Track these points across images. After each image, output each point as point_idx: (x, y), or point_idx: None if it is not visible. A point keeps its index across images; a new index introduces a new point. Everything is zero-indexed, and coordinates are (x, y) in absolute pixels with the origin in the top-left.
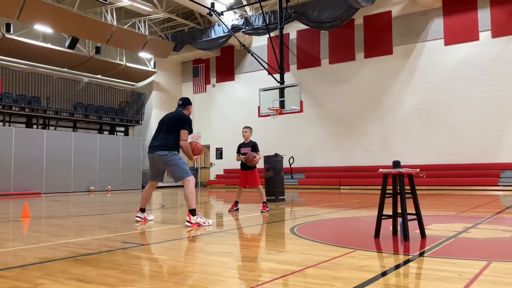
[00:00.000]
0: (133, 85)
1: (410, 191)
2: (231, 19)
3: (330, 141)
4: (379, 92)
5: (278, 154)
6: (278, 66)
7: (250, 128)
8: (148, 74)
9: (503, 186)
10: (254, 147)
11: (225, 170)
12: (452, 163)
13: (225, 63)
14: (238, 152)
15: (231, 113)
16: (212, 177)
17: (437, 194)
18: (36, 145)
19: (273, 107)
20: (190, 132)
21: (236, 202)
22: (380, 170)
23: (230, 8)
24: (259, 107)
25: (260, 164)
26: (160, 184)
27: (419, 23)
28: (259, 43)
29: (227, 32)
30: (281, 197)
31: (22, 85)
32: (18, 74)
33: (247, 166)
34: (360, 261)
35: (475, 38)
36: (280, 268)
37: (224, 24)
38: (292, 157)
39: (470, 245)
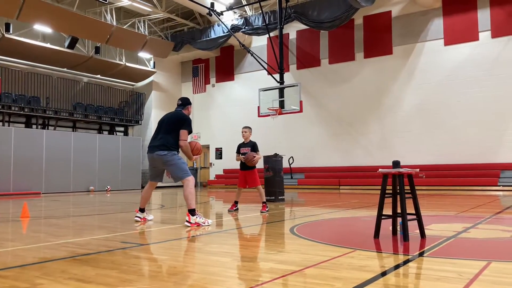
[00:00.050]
0: (132, 85)
1: (409, 191)
2: (230, 19)
3: (329, 141)
4: (379, 92)
5: (278, 154)
6: (277, 66)
7: (250, 128)
8: (148, 74)
9: (502, 186)
10: (253, 147)
11: (224, 170)
12: (451, 163)
13: (225, 63)
14: (238, 152)
15: (230, 113)
16: (212, 177)
17: (436, 194)
18: (35, 145)
19: (272, 107)
20: (190, 132)
21: (236, 202)
22: (380, 170)
23: (230, 8)
24: (258, 107)
25: (260, 164)
26: (159, 184)
27: (419, 23)
28: (259, 43)
29: (227, 32)
30: (281, 197)
31: (22, 85)
32: (18, 74)
33: (246, 166)
34: (360, 261)
35: (475, 38)
36: (279, 268)
37: (223, 24)
38: (292, 157)
39: (470, 245)
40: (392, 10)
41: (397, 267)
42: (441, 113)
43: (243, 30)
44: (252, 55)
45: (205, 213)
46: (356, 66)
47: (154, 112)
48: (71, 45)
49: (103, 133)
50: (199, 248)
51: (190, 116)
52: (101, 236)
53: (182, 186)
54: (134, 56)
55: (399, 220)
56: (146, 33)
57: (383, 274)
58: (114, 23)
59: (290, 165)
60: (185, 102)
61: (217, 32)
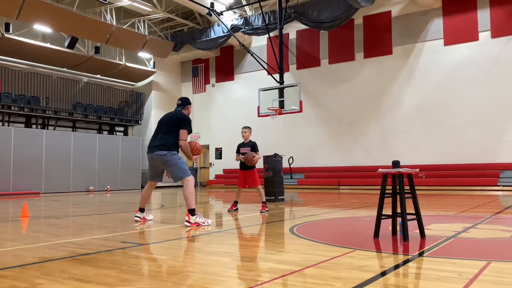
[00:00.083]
0: (132, 85)
1: (409, 191)
2: (230, 19)
3: (329, 141)
4: (378, 92)
5: (278, 154)
6: (277, 66)
7: (250, 128)
8: (148, 74)
9: (502, 186)
10: (253, 147)
11: (224, 170)
12: (451, 163)
13: (225, 63)
14: (238, 152)
15: (230, 113)
16: (212, 177)
17: (436, 194)
18: (35, 145)
19: (272, 107)
20: (190, 132)
21: (236, 202)
22: (380, 170)
23: (230, 8)
24: (258, 107)
25: (260, 164)
26: (159, 184)
27: (419, 23)
28: (259, 43)
29: (227, 32)
30: (281, 197)
31: (21, 85)
32: (17, 74)
33: (246, 166)
34: (360, 261)
35: (475, 38)
36: (279, 268)
37: (223, 24)
38: (292, 157)
39: (470, 245)
40: (392, 10)
41: (396, 267)
42: (441, 113)
43: (243, 30)
44: (252, 55)
45: (205, 213)
46: (356, 66)
47: (154, 112)
48: (71, 45)
49: (103, 133)
50: (199, 248)
51: (190, 116)
52: (101, 236)
53: (182, 186)
54: (134, 56)
55: (399, 220)
56: (146, 33)
57: (383, 274)
58: (114, 23)
59: (290, 165)
60: (185, 102)
61: (217, 32)
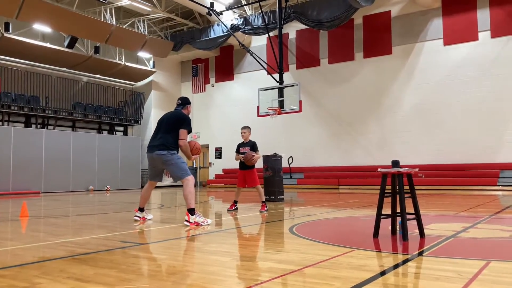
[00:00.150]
0: (132, 85)
1: (409, 191)
2: (230, 18)
3: (329, 141)
4: (378, 92)
5: (277, 154)
6: (277, 66)
7: (249, 128)
8: (147, 73)
9: (502, 186)
10: (253, 146)
11: (224, 170)
12: (451, 163)
13: (224, 63)
14: (237, 151)
15: (230, 112)
16: (211, 176)
17: (436, 194)
18: (35, 144)
19: (272, 107)
20: (189, 131)
21: (235, 202)
22: (379, 169)
23: (229, 7)
24: (258, 107)
25: (259, 164)
26: (159, 183)
27: (419, 23)
28: (258, 42)
29: (226, 32)
30: (280, 197)
31: (21, 84)
32: (17, 74)
33: (246, 166)
34: (359, 261)
35: (475, 38)
36: (279, 268)
37: (223, 23)
38: (291, 156)
39: (469, 244)
40: (391, 10)
41: (396, 266)
42: (441, 113)
43: (243, 30)
44: (251, 55)
45: (205, 213)
46: (356, 66)
47: (154, 112)
48: (71, 45)
49: (102, 133)
50: (198, 248)
51: (190, 116)
52: (100, 236)
53: (181, 185)
54: (134, 56)
55: (399, 219)
56: (146, 32)
57: (382, 273)
58: (114, 23)
59: (289, 164)
60: (184, 102)
61: (216, 32)
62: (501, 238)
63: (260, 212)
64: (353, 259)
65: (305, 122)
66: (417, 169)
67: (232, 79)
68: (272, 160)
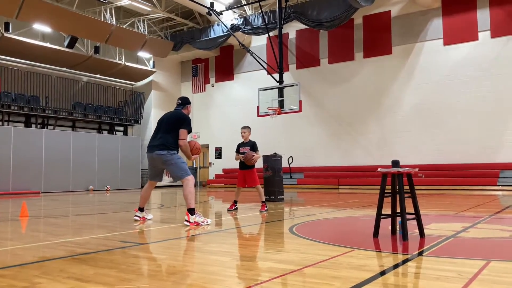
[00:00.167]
0: (132, 85)
1: (409, 191)
2: (230, 18)
3: (329, 141)
4: (378, 92)
5: (277, 154)
6: (277, 65)
7: (249, 127)
8: (147, 73)
9: (502, 186)
10: (253, 146)
11: (224, 170)
12: (451, 162)
13: (224, 63)
14: (237, 151)
15: (230, 112)
16: (211, 176)
17: (436, 194)
18: (35, 144)
19: (272, 106)
20: (189, 131)
21: (235, 202)
22: (379, 169)
23: (229, 7)
24: (258, 106)
25: (259, 164)
26: (159, 183)
27: (419, 23)
28: (258, 42)
29: (226, 32)
30: (280, 197)
31: (21, 84)
32: (17, 73)
33: (246, 166)
34: (359, 261)
35: (474, 38)
36: (278, 268)
37: (223, 23)
38: (291, 156)
39: (469, 244)
40: (391, 10)
41: (396, 266)
42: (441, 113)
43: (243, 29)
44: (251, 54)
45: (205, 213)
46: (356, 66)
47: (154, 112)
48: (71, 45)
49: (102, 133)
50: (198, 248)
51: (190, 116)
52: (100, 235)
53: (181, 185)
54: (134, 56)
55: (399, 219)
56: (146, 32)
57: (382, 273)
58: (114, 23)
59: (289, 164)
60: (184, 102)
61: (216, 31)
62: (501, 238)
63: (260, 212)
64: (353, 259)
65: (305, 122)
66: (417, 169)
67: (232, 79)
68: (272, 160)
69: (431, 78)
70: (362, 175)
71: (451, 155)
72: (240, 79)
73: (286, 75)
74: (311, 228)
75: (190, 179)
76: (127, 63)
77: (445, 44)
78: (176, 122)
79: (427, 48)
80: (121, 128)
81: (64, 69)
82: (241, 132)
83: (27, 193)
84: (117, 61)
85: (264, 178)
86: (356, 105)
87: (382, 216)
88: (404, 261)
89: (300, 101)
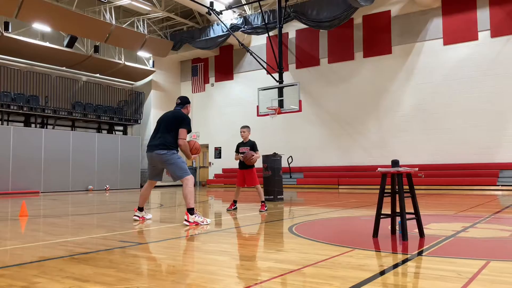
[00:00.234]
0: (131, 84)
1: (408, 191)
2: (230, 18)
3: (328, 141)
4: (378, 91)
5: (277, 154)
6: (277, 65)
7: (248, 127)
8: (147, 73)
9: (501, 185)
10: (252, 146)
11: (223, 170)
12: (450, 162)
13: (224, 62)
14: (237, 151)
15: (230, 112)
16: (211, 176)
17: (435, 194)
18: (34, 144)
19: (272, 106)
20: (189, 131)
21: (235, 201)
22: (379, 169)
23: (229, 7)
24: (258, 106)
25: (259, 163)
26: (158, 183)
27: (418, 23)
28: (258, 42)
29: (226, 31)
30: (280, 197)
31: (20, 83)
32: (16, 73)
33: (245, 165)
34: (359, 260)
35: (474, 38)
36: (278, 267)
37: (223, 23)
38: (291, 156)
39: (469, 244)
40: (391, 9)
41: (395, 266)
42: (440, 113)
43: (243, 29)
44: (251, 54)
45: (204, 212)
46: (355, 66)
47: (153, 111)
48: (70, 44)
49: (102, 132)
50: (198, 247)
51: (189, 115)
52: (100, 235)
53: (181, 185)
54: (133, 55)
55: (398, 219)
56: (145, 32)
57: (382, 273)
58: (113, 22)
59: (289, 164)
60: (184, 101)
61: (216, 31)
62: (500, 238)
63: (260, 211)
64: (352, 258)
65: (304, 121)
66: (417, 169)
67: (231, 78)
68: (272, 160)
69: (431, 77)
70: (362, 175)
71: (451, 154)
72: (240, 78)
73: (285, 75)
74: (310, 228)
75: (189, 179)
76: (126, 63)
77: (445, 44)
78: (175, 121)
79: (427, 48)
80: (121, 128)
81: (64, 68)
82: (241, 132)
83: (27, 192)
84: (116, 60)
85: (264, 178)
86: (355, 105)
87: (381, 216)
88: (404, 261)
89: (300, 101)
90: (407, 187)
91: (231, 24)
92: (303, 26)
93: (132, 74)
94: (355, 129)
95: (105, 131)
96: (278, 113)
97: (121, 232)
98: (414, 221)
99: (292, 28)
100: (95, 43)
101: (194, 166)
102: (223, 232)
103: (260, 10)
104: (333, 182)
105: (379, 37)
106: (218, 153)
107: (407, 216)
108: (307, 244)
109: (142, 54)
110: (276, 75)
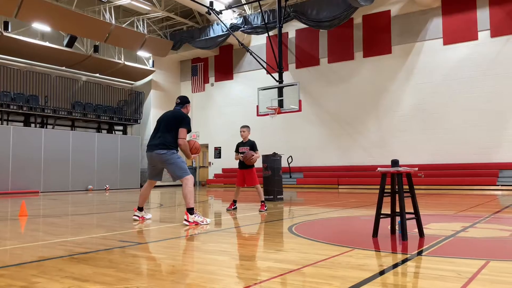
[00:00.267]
0: (131, 84)
1: (408, 190)
2: (230, 18)
3: (328, 141)
4: (377, 91)
5: (277, 153)
6: (277, 65)
7: (248, 127)
8: (147, 73)
9: (501, 185)
10: (252, 146)
11: (223, 170)
12: (450, 162)
13: (224, 62)
14: (237, 151)
15: (229, 112)
16: (211, 176)
17: (435, 194)
18: (34, 144)
19: (271, 106)
20: (189, 130)
21: (234, 201)
22: (379, 169)
23: (229, 7)
24: (257, 106)
25: (259, 163)
26: (158, 183)
27: (418, 23)
28: (258, 42)
29: (226, 31)
30: (279, 196)
31: (20, 83)
32: (16, 73)
33: (245, 165)
34: (358, 260)
35: (474, 37)
36: (278, 267)
37: (222, 23)
38: (291, 156)
39: (468, 244)
40: (391, 9)
41: (395, 266)
42: (440, 113)
43: (242, 29)
44: (251, 54)
45: (204, 212)
46: (355, 65)
47: (153, 111)
48: (70, 44)
49: (101, 132)
50: (197, 247)
51: (189, 115)
52: (99, 235)
53: (180, 185)
54: (133, 55)
55: (398, 219)
56: (145, 31)
57: (381, 273)
58: (113, 22)
59: (289, 164)
60: (184, 101)
61: (216, 31)
62: (500, 237)
63: (260, 211)
64: (352, 258)
65: (304, 121)
66: (416, 169)
67: (231, 78)
68: (272, 160)
69: (431, 77)
70: (362, 175)
71: (451, 154)
72: (240, 78)
73: (285, 75)
74: (310, 228)
75: (189, 179)
76: (126, 63)
77: (445, 43)
78: (175, 121)
79: (427, 48)
80: (121, 128)
81: (63, 68)
82: (241, 132)
83: (26, 192)
84: (116, 60)
85: (264, 178)
86: (355, 105)
87: (381, 216)
88: (404, 261)
89: (300, 101)
90: (407, 187)
91: (231, 24)
92: (303, 26)
93: (131, 74)
94: (355, 129)
95: (105, 131)
96: (278, 113)
97: (120, 232)
98: (414, 221)
99: (292, 28)
100: (95, 42)
101: (194, 166)
102: (223, 232)
103: (260, 10)
104: (333, 182)
105: (379, 37)
106: (218, 153)
107: (407, 216)
108: (306, 244)
109: (142, 54)
110: (276, 75)
